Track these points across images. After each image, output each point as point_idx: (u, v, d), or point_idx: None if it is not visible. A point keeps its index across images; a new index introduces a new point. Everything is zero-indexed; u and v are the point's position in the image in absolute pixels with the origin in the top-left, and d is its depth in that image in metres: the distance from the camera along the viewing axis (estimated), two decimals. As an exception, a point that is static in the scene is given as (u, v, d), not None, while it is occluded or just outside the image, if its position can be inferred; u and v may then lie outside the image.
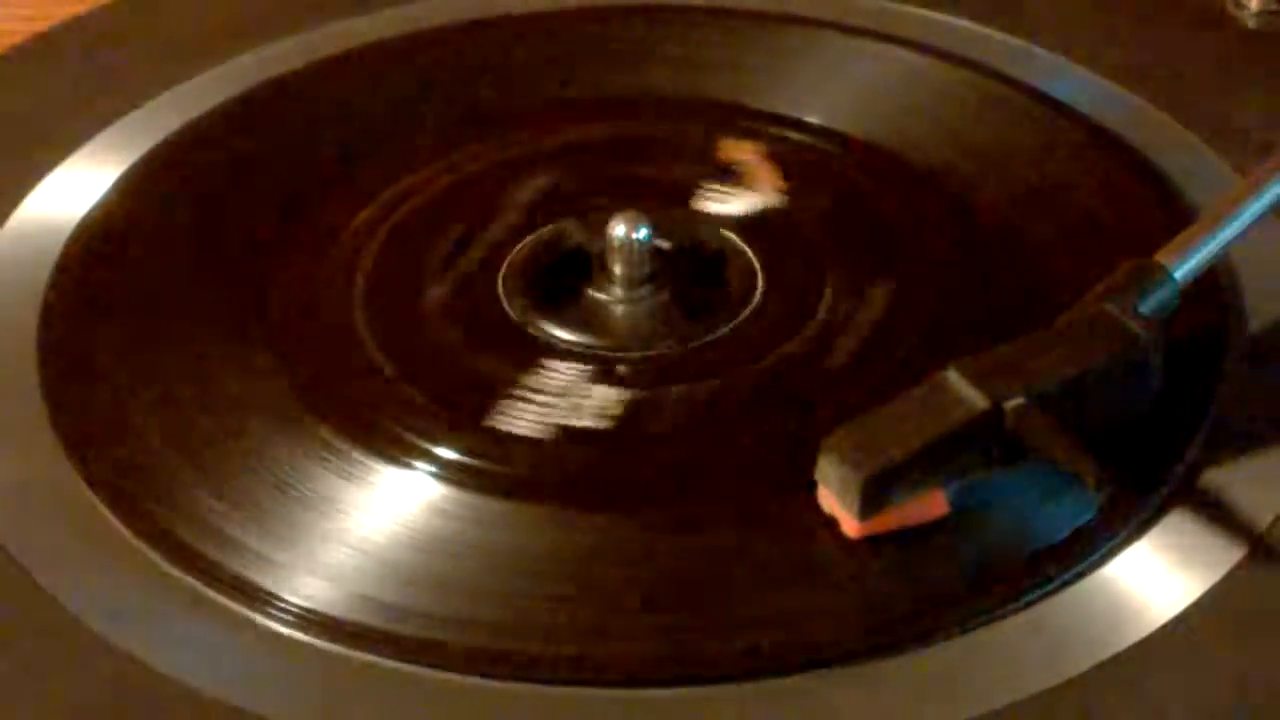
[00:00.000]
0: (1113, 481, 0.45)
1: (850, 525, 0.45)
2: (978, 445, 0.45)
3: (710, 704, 0.42)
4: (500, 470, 0.48)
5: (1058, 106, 0.62)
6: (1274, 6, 0.66)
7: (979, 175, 0.59)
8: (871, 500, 0.44)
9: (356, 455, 0.49)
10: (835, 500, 0.45)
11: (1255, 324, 0.52)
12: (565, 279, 0.56)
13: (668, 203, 0.58)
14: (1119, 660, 0.42)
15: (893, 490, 0.44)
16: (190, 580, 0.45)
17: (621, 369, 0.52)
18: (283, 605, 0.44)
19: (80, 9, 0.69)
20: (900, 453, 0.44)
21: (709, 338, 0.53)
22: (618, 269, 0.55)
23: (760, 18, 0.67)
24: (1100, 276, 0.49)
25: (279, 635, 0.44)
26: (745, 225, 0.57)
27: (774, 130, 0.62)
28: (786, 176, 0.59)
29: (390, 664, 0.43)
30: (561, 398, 0.51)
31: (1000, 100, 0.62)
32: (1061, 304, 0.48)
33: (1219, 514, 0.46)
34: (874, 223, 0.58)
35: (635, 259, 0.55)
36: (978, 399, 0.45)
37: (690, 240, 0.57)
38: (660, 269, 0.55)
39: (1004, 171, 0.59)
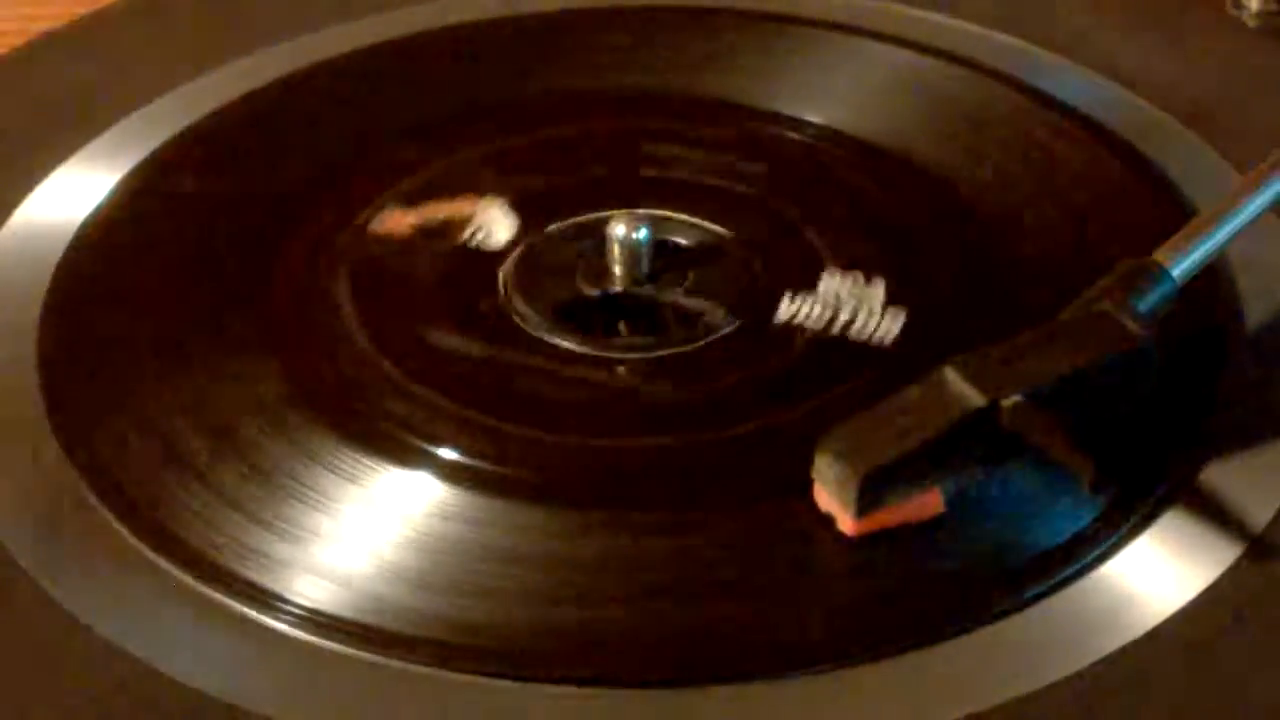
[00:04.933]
0: (1112, 481, 0.45)
1: (847, 523, 0.45)
2: (974, 443, 0.45)
3: (709, 704, 0.42)
4: (500, 470, 0.48)
5: (1057, 106, 0.62)
6: (1274, 6, 0.66)
7: (979, 175, 0.59)
8: (868, 498, 0.44)
9: (357, 455, 0.49)
10: (832, 498, 0.45)
11: (1255, 324, 0.52)
12: (566, 279, 0.56)
13: (668, 203, 0.58)
14: (1119, 659, 0.42)
15: (889, 488, 0.44)
16: (191, 581, 0.45)
17: (621, 369, 0.53)
18: (284, 605, 0.44)
19: (80, 10, 0.69)
20: (897, 450, 0.44)
21: (709, 338, 0.53)
22: (618, 269, 0.55)
23: (760, 18, 0.67)
24: (1099, 276, 0.49)
25: (280, 635, 0.44)
26: (745, 225, 0.57)
27: (774, 130, 0.62)
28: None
29: (391, 664, 0.43)
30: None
31: (1000, 100, 0.62)
32: (1060, 303, 0.48)
33: (1219, 513, 0.46)
34: (874, 222, 0.58)
35: (635, 259, 0.55)
36: (974, 397, 0.45)
37: (690, 240, 0.57)
38: (660, 269, 0.55)
39: (1004, 171, 0.59)
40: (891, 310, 0.53)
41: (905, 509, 0.45)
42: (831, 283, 0.54)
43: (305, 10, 0.68)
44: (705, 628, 0.44)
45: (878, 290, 0.53)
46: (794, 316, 0.53)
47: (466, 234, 0.56)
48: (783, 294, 0.54)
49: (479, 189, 0.59)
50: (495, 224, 0.54)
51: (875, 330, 0.52)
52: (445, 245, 0.57)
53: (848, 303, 0.53)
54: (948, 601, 0.44)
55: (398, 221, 0.53)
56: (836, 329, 0.53)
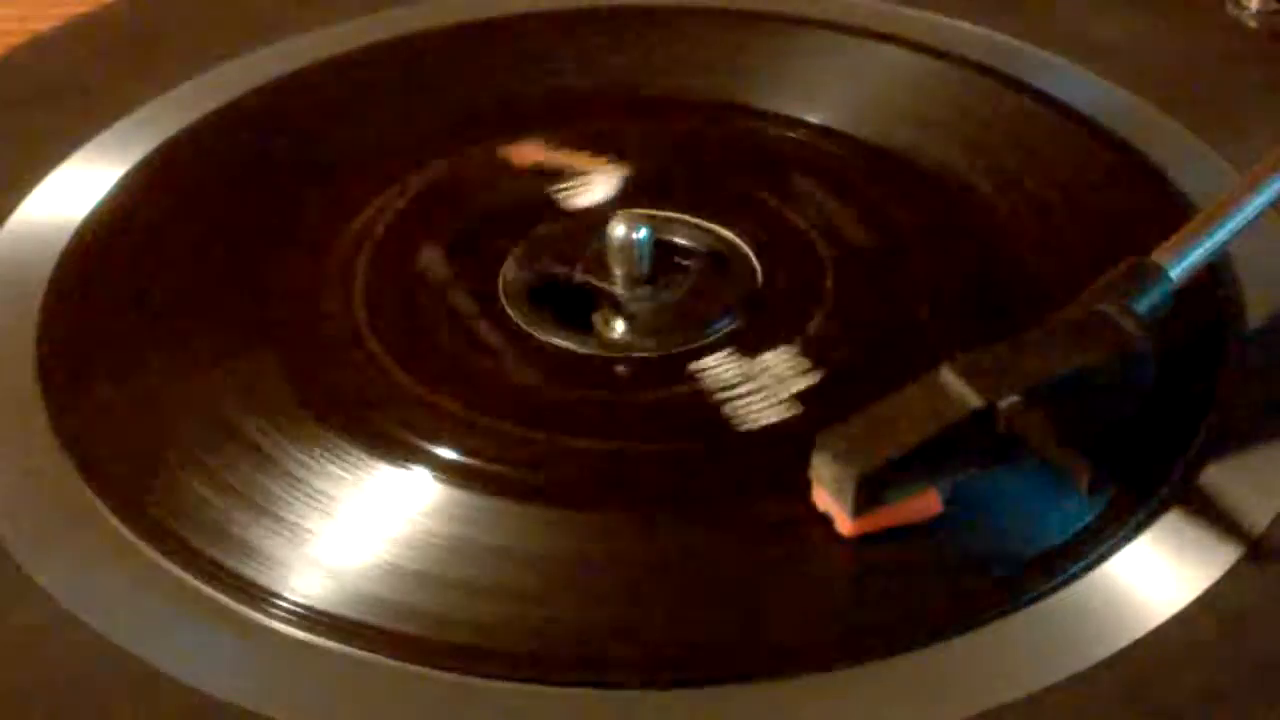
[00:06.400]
0: (1111, 482, 0.45)
1: (845, 523, 0.45)
2: (972, 444, 0.45)
3: (709, 704, 0.42)
4: (500, 470, 0.48)
5: (1057, 106, 0.62)
6: (1274, 6, 0.66)
7: (979, 175, 0.59)
8: (866, 498, 0.44)
9: (357, 455, 0.49)
10: (830, 498, 0.45)
11: (1255, 324, 0.52)
12: (565, 279, 0.56)
13: (668, 203, 0.58)
14: (1119, 660, 0.42)
15: (887, 488, 0.44)
16: (190, 579, 0.45)
17: (621, 369, 0.52)
18: (283, 604, 0.44)
19: (80, 10, 0.70)
20: (894, 451, 0.44)
21: (709, 337, 0.53)
22: (618, 269, 0.55)
23: (760, 18, 0.67)
24: (1098, 276, 0.49)
25: (279, 633, 0.44)
26: (745, 225, 0.57)
27: (774, 130, 0.62)
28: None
29: (390, 662, 0.43)
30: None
31: (1001, 100, 0.62)
32: (1059, 303, 0.48)
33: (1219, 514, 0.46)
34: (873, 222, 0.58)
35: (635, 259, 0.55)
36: (972, 397, 0.45)
37: (690, 240, 0.57)
38: (660, 269, 0.55)
39: (1004, 171, 0.59)
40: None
41: (903, 509, 0.45)
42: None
43: (304, 10, 0.68)
44: (704, 628, 0.44)
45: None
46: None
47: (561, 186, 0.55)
48: (782, 293, 0.54)
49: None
50: (593, 188, 0.54)
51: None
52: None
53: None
54: (945, 602, 0.44)
55: (527, 154, 0.52)
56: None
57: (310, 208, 0.59)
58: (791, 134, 0.62)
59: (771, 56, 0.65)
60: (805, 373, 0.52)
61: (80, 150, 0.61)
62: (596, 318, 0.55)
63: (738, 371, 0.52)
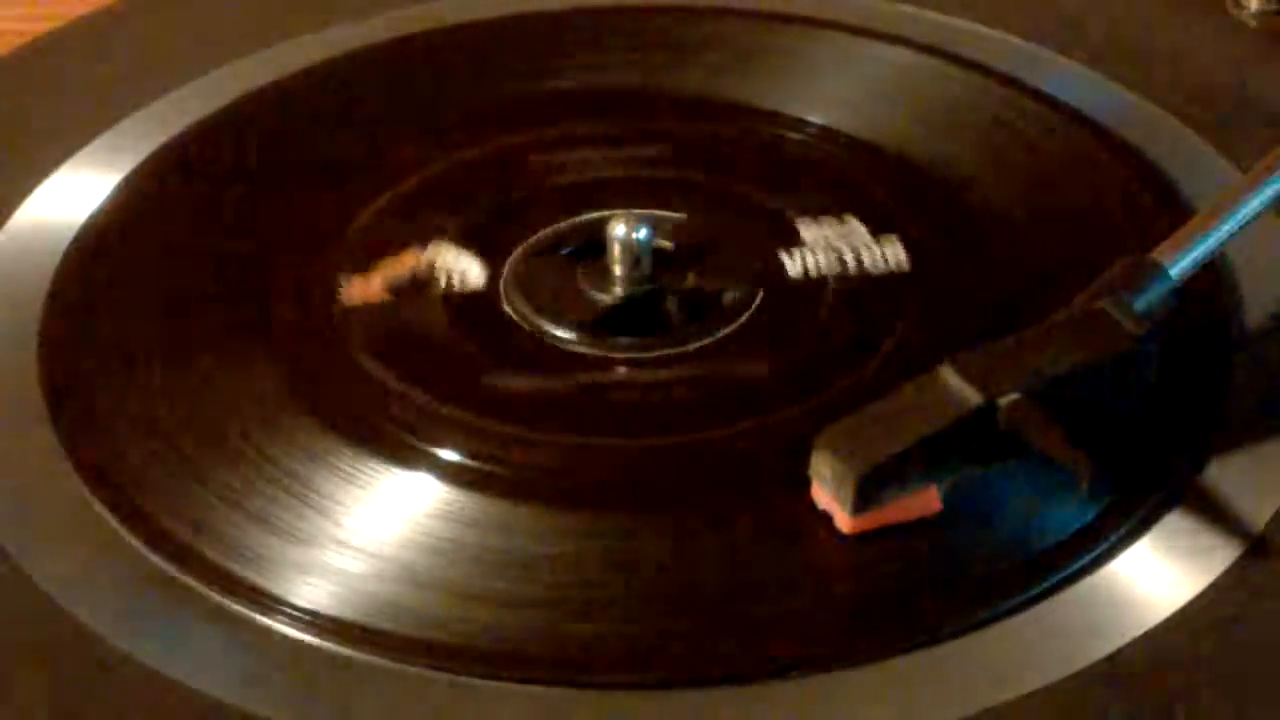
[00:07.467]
0: (1111, 481, 0.45)
1: (844, 521, 0.45)
2: (971, 441, 0.45)
3: (709, 704, 0.42)
4: (501, 471, 0.48)
5: (1058, 106, 0.62)
6: (1274, 6, 0.66)
7: (979, 174, 0.59)
8: (865, 496, 0.44)
9: (358, 456, 0.49)
10: (830, 495, 0.45)
11: (1255, 323, 0.52)
12: (566, 279, 0.56)
13: (668, 203, 0.58)
14: (1119, 659, 0.42)
15: (886, 486, 0.44)
16: (190, 582, 0.45)
17: (621, 370, 0.53)
18: (284, 607, 0.44)
19: (80, 10, 0.70)
20: (894, 448, 0.44)
21: (709, 338, 0.53)
22: (618, 269, 0.55)
23: (760, 18, 0.67)
24: (1098, 275, 0.49)
25: (280, 636, 0.44)
26: (747, 224, 0.57)
27: (774, 130, 0.62)
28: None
29: (392, 665, 0.43)
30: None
31: (1000, 100, 0.62)
32: (1058, 302, 0.48)
33: (1219, 513, 0.46)
34: (873, 223, 0.58)
35: (635, 259, 0.55)
36: (972, 395, 0.45)
37: (690, 240, 0.57)
38: (660, 269, 0.55)
39: (1004, 170, 0.59)
40: (883, 238, 0.53)
41: (903, 507, 0.45)
42: (815, 230, 0.54)
43: (304, 12, 0.68)
44: (704, 627, 0.44)
45: (856, 226, 0.53)
46: (805, 272, 0.54)
47: (440, 281, 0.56)
48: (782, 294, 0.54)
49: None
50: (459, 265, 0.54)
51: (882, 258, 0.52)
52: (428, 297, 0.56)
53: (838, 244, 0.53)
54: (946, 601, 0.44)
55: (365, 289, 0.53)
56: (851, 269, 0.54)
57: (311, 209, 0.59)
58: (793, 134, 0.62)
59: (772, 56, 0.65)
60: (806, 373, 0.52)
61: (81, 152, 0.61)
62: (597, 318, 0.55)
63: (735, 369, 0.52)
